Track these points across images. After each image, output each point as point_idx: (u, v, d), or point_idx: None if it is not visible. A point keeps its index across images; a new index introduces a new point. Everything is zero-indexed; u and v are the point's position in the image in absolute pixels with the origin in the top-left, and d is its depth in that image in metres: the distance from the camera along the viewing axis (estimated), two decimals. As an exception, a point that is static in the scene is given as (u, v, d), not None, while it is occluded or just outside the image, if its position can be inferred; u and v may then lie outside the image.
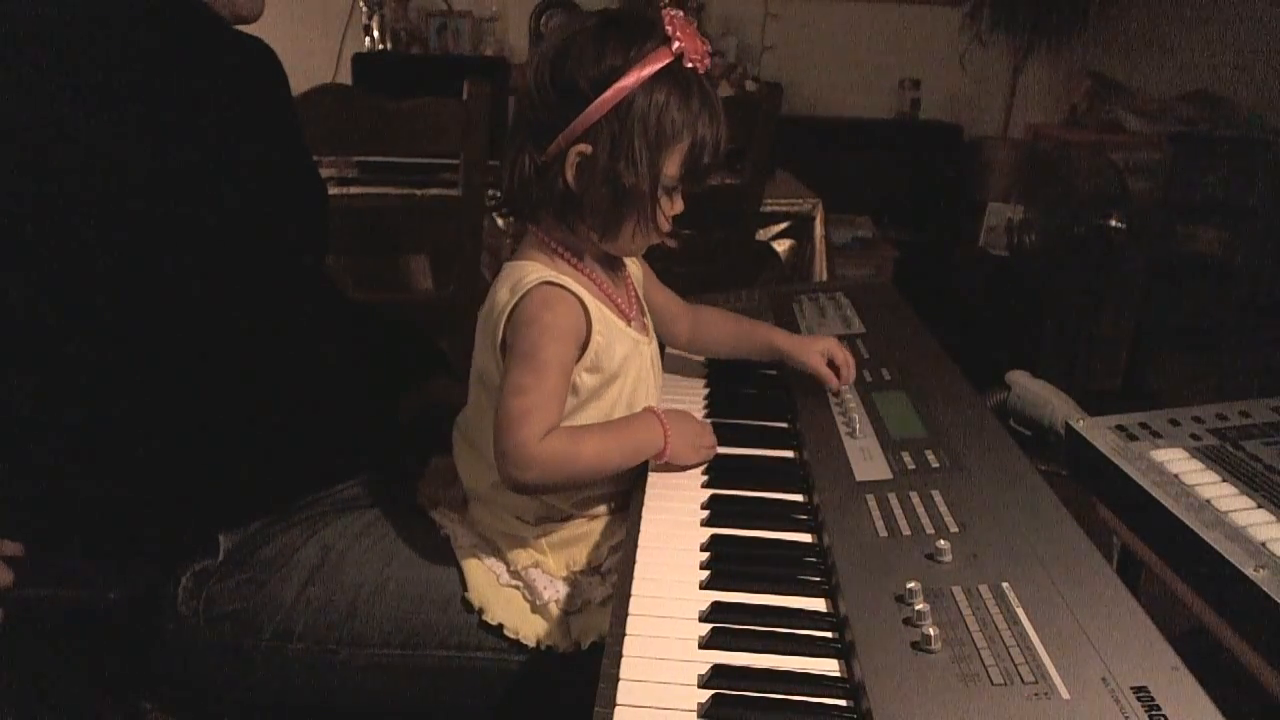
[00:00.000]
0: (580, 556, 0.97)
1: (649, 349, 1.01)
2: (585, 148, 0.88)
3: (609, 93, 0.86)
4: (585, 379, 0.93)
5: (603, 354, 0.93)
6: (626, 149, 0.87)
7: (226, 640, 0.96)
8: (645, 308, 1.05)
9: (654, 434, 0.93)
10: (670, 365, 1.23)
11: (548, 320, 0.89)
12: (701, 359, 1.25)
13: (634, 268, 1.06)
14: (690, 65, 0.88)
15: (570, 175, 0.89)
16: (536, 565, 0.97)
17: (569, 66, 0.87)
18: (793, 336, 1.15)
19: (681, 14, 0.90)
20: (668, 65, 0.87)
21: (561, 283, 0.90)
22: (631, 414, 0.96)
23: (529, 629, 0.93)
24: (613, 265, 1.00)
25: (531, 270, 0.91)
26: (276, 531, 1.01)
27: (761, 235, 2.39)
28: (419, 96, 1.63)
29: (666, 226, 0.94)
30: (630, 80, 0.86)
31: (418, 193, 2.05)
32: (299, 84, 1.15)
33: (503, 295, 0.91)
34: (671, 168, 0.90)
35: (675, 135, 0.88)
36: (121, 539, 0.98)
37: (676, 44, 0.87)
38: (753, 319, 1.19)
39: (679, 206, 0.94)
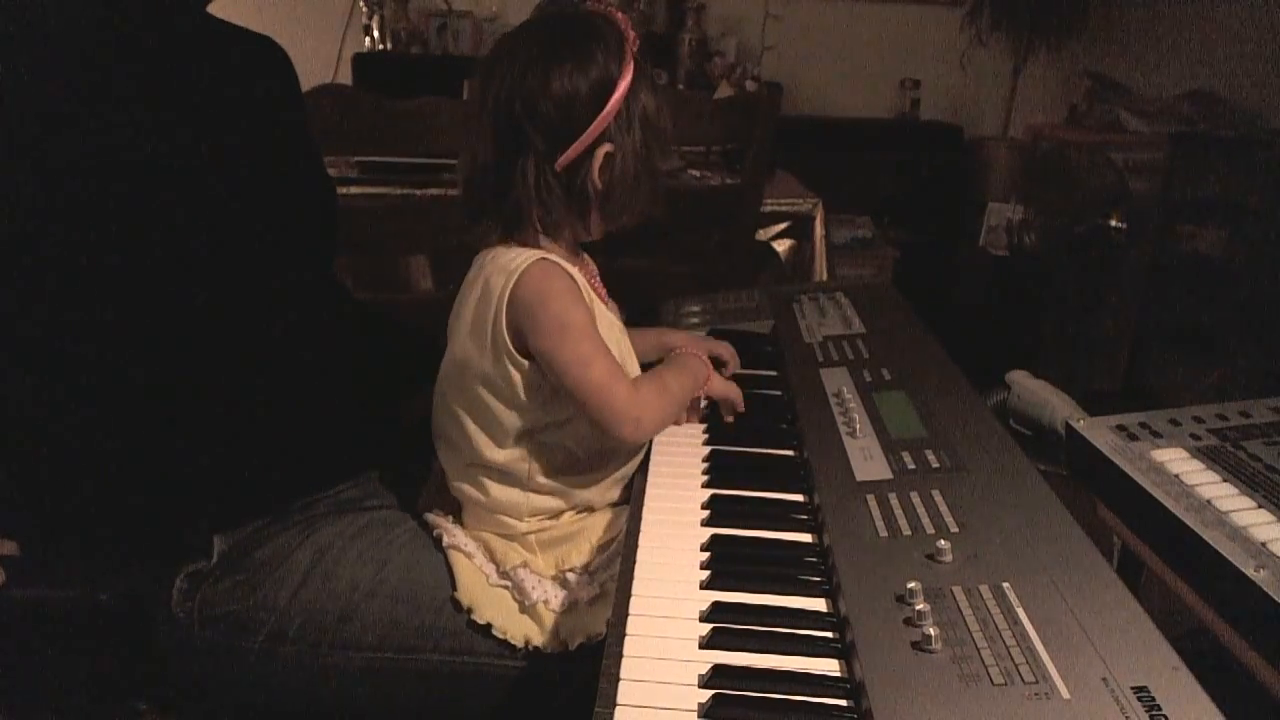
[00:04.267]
0: (569, 556, 0.98)
1: (623, 341, 1.03)
2: (609, 147, 0.92)
3: (617, 93, 0.91)
4: None
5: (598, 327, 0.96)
6: (653, 135, 0.95)
7: (220, 642, 0.96)
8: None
9: (700, 365, 1.07)
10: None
11: (559, 288, 0.93)
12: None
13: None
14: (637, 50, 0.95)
15: (597, 174, 0.93)
16: (525, 565, 0.97)
17: (564, 81, 0.90)
18: (684, 335, 1.20)
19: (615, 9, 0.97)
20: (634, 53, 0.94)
21: (553, 258, 0.94)
22: (673, 357, 1.07)
23: (517, 629, 0.93)
24: (579, 255, 1.03)
25: (520, 252, 0.94)
26: (271, 533, 1.01)
27: (761, 235, 2.38)
28: (419, 96, 1.63)
29: None
30: (628, 78, 0.92)
31: (417, 193, 2.05)
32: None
33: (497, 281, 0.93)
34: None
35: (661, 110, 0.96)
36: (117, 540, 0.98)
37: (632, 34, 0.94)
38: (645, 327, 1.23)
39: None
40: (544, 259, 0.93)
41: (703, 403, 1.09)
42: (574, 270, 0.95)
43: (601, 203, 0.96)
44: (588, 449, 0.98)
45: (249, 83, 0.96)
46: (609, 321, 1.00)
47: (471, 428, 0.98)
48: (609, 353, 0.94)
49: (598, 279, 1.05)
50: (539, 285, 0.92)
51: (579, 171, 0.93)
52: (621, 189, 0.95)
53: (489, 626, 0.93)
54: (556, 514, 1.00)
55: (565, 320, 0.91)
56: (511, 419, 0.95)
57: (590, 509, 1.01)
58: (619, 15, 0.94)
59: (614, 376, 0.93)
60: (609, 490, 1.02)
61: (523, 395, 0.94)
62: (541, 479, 0.97)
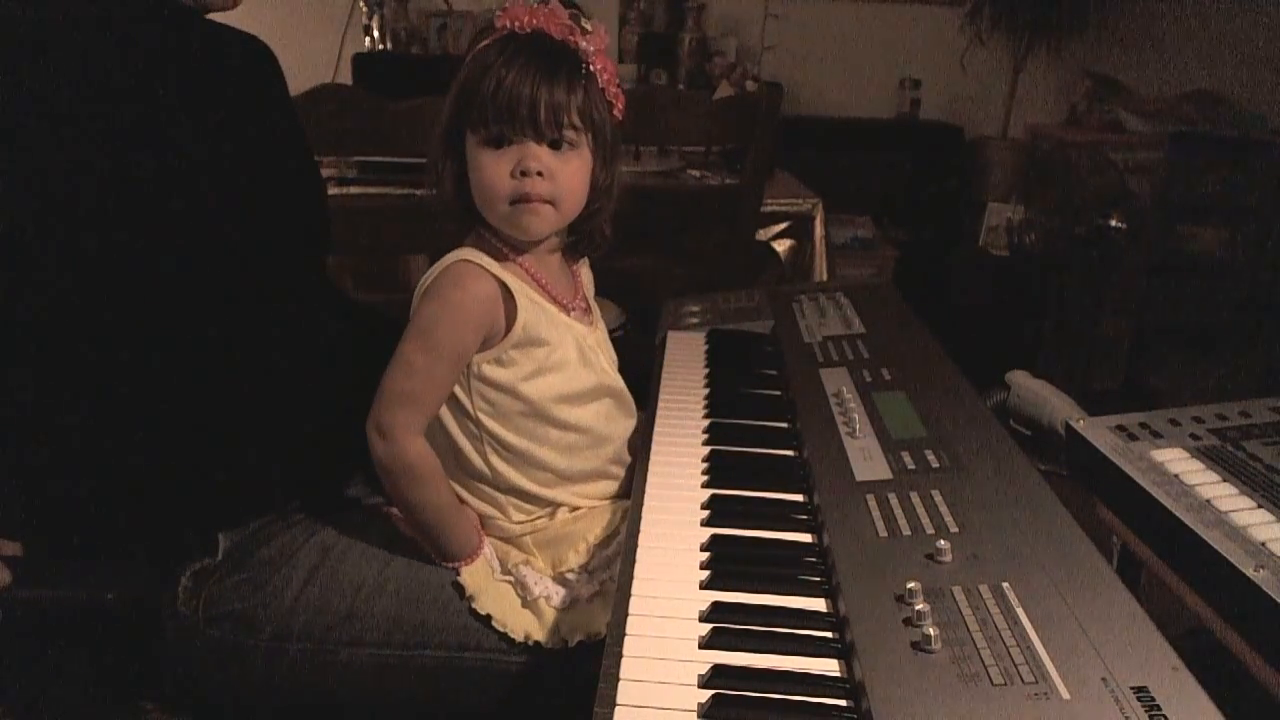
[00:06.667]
0: (566, 555, 0.98)
1: (587, 338, 1.02)
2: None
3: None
4: (513, 354, 0.95)
5: (530, 327, 0.95)
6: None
7: (226, 640, 0.96)
8: (595, 311, 1.08)
9: (471, 540, 0.97)
10: (670, 366, 1.23)
11: (454, 299, 0.93)
12: (702, 360, 1.25)
13: (586, 276, 1.09)
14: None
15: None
16: (527, 563, 0.98)
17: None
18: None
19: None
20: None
21: (481, 263, 0.94)
22: (470, 522, 0.98)
23: (517, 623, 0.93)
24: (561, 267, 1.04)
25: (460, 252, 0.95)
26: (276, 531, 1.01)
27: (761, 235, 2.38)
28: (419, 96, 1.62)
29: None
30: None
31: (417, 193, 2.04)
32: (299, 84, 1.16)
33: (427, 279, 0.95)
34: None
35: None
36: (121, 538, 0.98)
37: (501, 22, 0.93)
38: None
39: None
40: (463, 261, 0.94)
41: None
42: (505, 274, 0.95)
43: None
44: (558, 448, 0.99)
45: (236, 80, 0.96)
46: (563, 324, 0.99)
47: (441, 434, 0.99)
48: (435, 387, 0.93)
49: (573, 292, 1.04)
50: (439, 285, 0.94)
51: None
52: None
53: (489, 618, 0.93)
54: (550, 513, 1.00)
55: (426, 325, 0.93)
56: (468, 425, 0.96)
57: (578, 506, 1.01)
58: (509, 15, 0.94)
59: (409, 401, 0.92)
60: (595, 490, 1.02)
61: (468, 400, 0.95)
62: (514, 482, 0.98)
